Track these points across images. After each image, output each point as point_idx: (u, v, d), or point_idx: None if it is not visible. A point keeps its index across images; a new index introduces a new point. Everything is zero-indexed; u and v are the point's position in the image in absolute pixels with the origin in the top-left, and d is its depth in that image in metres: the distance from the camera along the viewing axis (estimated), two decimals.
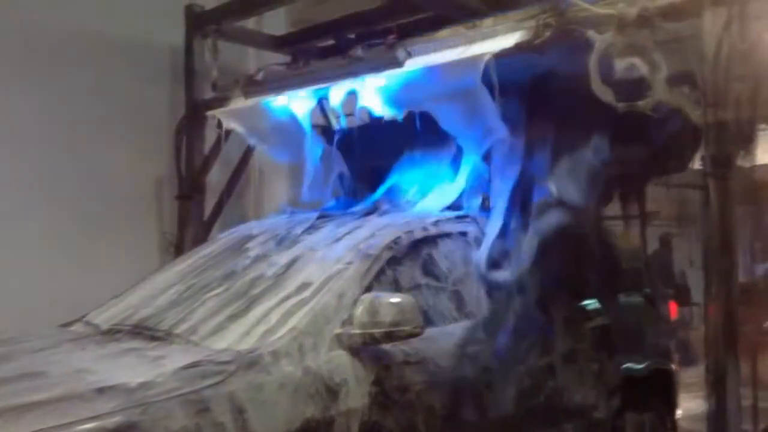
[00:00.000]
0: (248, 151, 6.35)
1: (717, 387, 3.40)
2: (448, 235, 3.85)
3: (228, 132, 5.89)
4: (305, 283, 3.28)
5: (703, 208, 3.49)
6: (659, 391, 4.52)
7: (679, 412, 4.69)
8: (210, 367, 2.68)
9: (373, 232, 3.66)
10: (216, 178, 6.52)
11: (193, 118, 6.23)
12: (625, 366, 4.20)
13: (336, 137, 5.01)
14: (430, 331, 3.27)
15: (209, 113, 5.90)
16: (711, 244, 3.45)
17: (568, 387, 3.86)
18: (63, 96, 5.84)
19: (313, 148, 5.06)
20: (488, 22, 4.28)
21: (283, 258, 3.61)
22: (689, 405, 4.81)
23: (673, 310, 4.83)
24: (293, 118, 5.10)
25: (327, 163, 5.09)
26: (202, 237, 5.91)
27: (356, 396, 2.96)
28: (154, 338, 3.17)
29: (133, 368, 2.73)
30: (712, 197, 3.42)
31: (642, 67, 3.56)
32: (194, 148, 6.25)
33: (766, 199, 4.01)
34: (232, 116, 5.63)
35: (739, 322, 3.41)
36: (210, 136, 6.14)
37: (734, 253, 3.45)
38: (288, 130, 5.19)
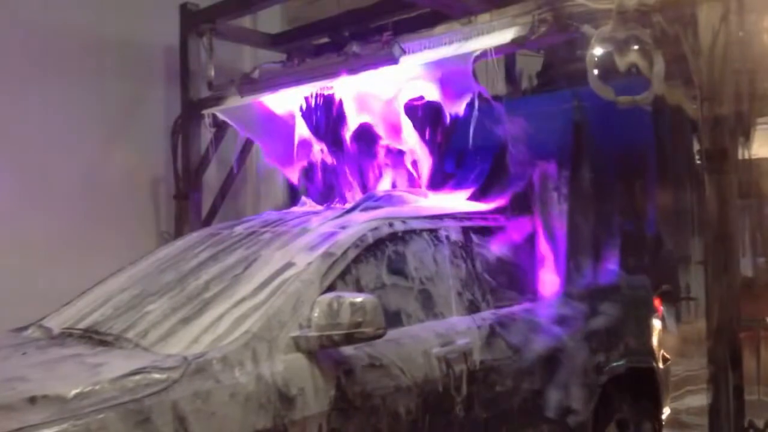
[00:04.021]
0: (245, 149, 6.34)
1: (718, 380, 3.40)
2: (417, 232, 3.66)
3: (223, 130, 5.91)
4: (262, 285, 3.12)
5: (701, 203, 3.48)
6: (644, 390, 4.43)
7: (666, 411, 4.62)
8: (152, 375, 2.52)
9: (338, 230, 3.48)
10: (213, 176, 6.52)
11: (188, 117, 6.22)
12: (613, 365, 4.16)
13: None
14: (395, 333, 3.15)
15: (205, 111, 5.90)
16: (709, 238, 3.45)
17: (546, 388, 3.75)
18: (58, 96, 5.83)
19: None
20: (484, 18, 4.27)
21: (242, 258, 3.45)
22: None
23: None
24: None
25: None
26: None
27: (314, 403, 2.81)
28: (101, 343, 3.00)
29: (71, 376, 2.56)
30: (709, 192, 3.42)
31: (640, 62, 3.55)
32: (190, 147, 6.25)
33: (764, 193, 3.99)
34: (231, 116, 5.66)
35: (741, 316, 3.40)
36: (206, 134, 6.13)
37: (733, 246, 3.44)
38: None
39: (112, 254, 5.73)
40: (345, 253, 3.26)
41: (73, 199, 5.90)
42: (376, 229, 3.49)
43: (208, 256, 3.62)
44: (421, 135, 4.61)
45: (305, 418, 2.77)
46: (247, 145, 6.28)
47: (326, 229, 3.53)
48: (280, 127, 5.34)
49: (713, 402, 3.41)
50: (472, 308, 3.64)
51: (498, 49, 4.13)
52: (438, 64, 4.33)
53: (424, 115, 4.61)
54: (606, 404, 4.07)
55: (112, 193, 6.14)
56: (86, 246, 5.80)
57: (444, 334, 3.40)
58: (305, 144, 5.11)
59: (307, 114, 5.07)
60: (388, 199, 4.19)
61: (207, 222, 6.21)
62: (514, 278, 4.03)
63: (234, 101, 5.64)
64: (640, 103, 3.61)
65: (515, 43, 4.08)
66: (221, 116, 5.73)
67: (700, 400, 4.07)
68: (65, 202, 5.85)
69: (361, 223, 3.53)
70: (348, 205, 4.33)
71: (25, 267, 5.44)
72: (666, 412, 4.62)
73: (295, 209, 4.76)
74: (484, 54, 4.09)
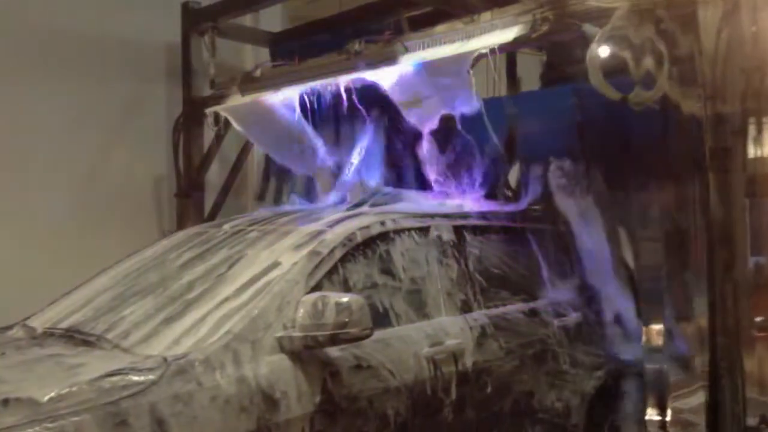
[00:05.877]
0: (246, 148, 6.34)
1: (716, 379, 3.39)
2: (407, 231, 3.58)
3: (225, 129, 5.91)
4: (246, 285, 3.07)
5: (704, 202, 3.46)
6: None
7: (668, 414, 4.60)
8: (130, 376, 2.47)
9: (326, 228, 3.41)
10: (215, 174, 6.51)
11: (190, 115, 6.22)
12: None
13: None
14: (384, 333, 3.12)
15: (208, 110, 5.90)
16: (712, 237, 3.43)
17: (538, 390, 3.73)
18: (60, 95, 5.82)
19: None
20: (486, 16, 4.26)
21: (227, 257, 3.40)
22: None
23: None
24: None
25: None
26: None
27: (298, 405, 2.76)
28: (84, 343, 2.96)
29: (47, 377, 2.52)
30: (712, 191, 3.40)
31: (646, 60, 3.52)
32: (192, 146, 6.24)
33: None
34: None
35: (754, 316, 3.38)
36: (208, 133, 6.13)
37: (738, 246, 3.41)
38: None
39: (113, 253, 5.73)
40: (332, 252, 3.20)
41: (75, 198, 5.90)
42: (366, 227, 3.42)
43: (193, 255, 3.57)
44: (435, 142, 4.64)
45: (289, 420, 2.73)
46: (249, 142, 6.28)
47: (319, 226, 3.48)
48: (281, 125, 5.34)
49: (711, 401, 3.40)
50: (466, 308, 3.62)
51: (500, 48, 4.12)
52: (438, 64, 4.32)
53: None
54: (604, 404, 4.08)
55: (113, 191, 6.13)
56: (87, 245, 5.78)
57: (432, 334, 3.35)
58: (305, 140, 5.12)
59: (308, 109, 5.07)
60: (396, 196, 4.18)
61: (209, 220, 6.19)
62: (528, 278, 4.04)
63: (235, 100, 5.65)
64: (649, 102, 3.59)
65: (517, 41, 4.07)
66: (224, 114, 5.74)
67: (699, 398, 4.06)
68: (66, 201, 5.84)
69: (352, 222, 3.47)
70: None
71: (26, 266, 5.43)
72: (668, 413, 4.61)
73: (288, 207, 4.77)
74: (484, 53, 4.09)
